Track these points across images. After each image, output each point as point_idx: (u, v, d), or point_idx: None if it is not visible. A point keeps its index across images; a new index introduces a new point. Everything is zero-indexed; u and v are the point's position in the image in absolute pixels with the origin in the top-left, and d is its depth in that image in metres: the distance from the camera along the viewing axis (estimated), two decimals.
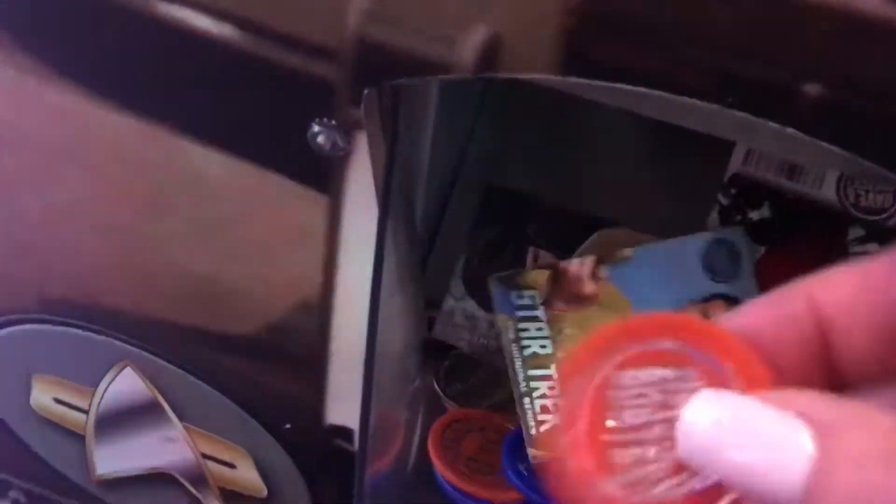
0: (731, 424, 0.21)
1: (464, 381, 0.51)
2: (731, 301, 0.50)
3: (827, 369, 0.25)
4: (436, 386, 0.49)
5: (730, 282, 0.51)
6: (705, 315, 0.50)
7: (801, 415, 0.21)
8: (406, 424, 0.48)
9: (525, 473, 0.47)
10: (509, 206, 0.54)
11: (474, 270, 0.52)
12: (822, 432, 0.20)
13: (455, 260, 0.52)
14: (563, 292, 0.50)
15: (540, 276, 0.50)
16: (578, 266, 0.50)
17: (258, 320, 0.49)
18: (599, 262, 0.51)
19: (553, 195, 0.54)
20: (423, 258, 0.49)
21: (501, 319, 0.48)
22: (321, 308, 0.47)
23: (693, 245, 0.52)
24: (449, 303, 0.51)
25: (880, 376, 0.25)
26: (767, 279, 0.51)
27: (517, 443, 0.46)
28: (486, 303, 0.50)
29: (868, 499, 0.19)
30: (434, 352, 0.51)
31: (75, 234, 0.49)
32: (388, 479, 0.47)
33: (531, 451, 0.45)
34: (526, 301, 0.49)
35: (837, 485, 0.19)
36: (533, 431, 0.45)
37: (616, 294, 0.51)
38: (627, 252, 0.51)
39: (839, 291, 0.25)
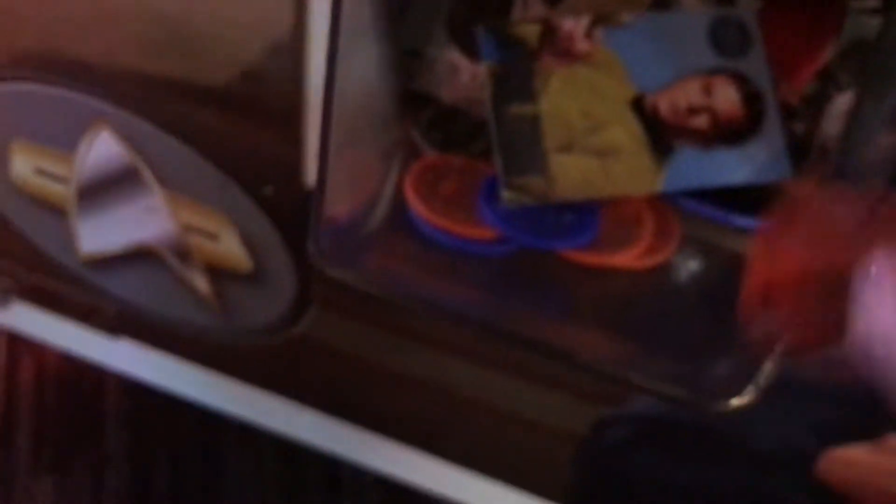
0: None
1: (444, 131, 0.49)
2: (739, 77, 0.49)
3: None
4: (415, 134, 0.48)
5: (738, 58, 0.49)
6: (708, 88, 0.48)
7: None
8: (381, 172, 0.47)
9: (499, 212, 0.46)
10: None
11: (459, 18, 0.50)
12: None
13: (439, 7, 0.49)
14: (553, 47, 0.48)
15: (530, 30, 0.48)
16: (573, 24, 0.49)
17: (230, 67, 0.48)
18: (595, 23, 0.49)
19: None
20: (403, 3, 0.47)
21: (487, 66, 0.47)
22: (293, 52, 0.46)
23: (698, 19, 0.50)
24: (431, 52, 0.49)
25: None
26: (767, 34, 0.49)
27: (493, 186, 0.45)
28: (470, 52, 0.48)
29: None
30: (415, 102, 0.49)
31: None
32: (354, 223, 0.46)
33: (504, 194, 0.44)
34: (514, 51, 0.48)
35: None
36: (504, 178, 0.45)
37: (610, 56, 0.49)
38: (626, 17, 0.49)
39: None
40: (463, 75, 0.48)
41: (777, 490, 0.51)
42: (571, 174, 0.47)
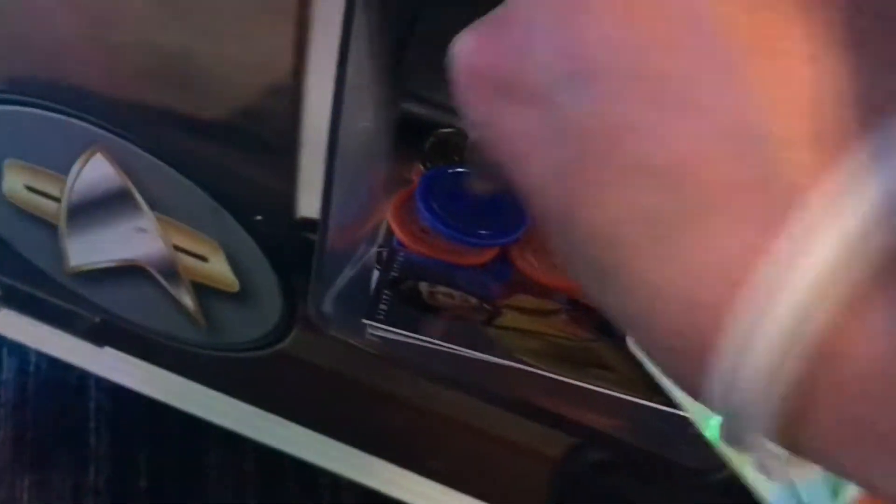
0: None
1: (447, 159, 0.49)
2: None
3: None
4: (420, 164, 0.47)
5: None
6: None
7: None
8: (378, 205, 0.47)
9: (438, 211, 0.44)
10: None
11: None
12: None
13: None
14: None
15: None
16: None
17: (230, 103, 0.48)
18: None
19: None
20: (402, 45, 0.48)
21: None
22: (293, 91, 0.46)
23: None
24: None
25: None
26: None
27: (432, 181, 0.43)
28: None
29: None
30: (415, 131, 0.49)
31: (42, 5, 0.48)
32: (352, 259, 0.47)
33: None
34: None
35: None
36: None
37: None
38: None
39: None
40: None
41: None
42: None
